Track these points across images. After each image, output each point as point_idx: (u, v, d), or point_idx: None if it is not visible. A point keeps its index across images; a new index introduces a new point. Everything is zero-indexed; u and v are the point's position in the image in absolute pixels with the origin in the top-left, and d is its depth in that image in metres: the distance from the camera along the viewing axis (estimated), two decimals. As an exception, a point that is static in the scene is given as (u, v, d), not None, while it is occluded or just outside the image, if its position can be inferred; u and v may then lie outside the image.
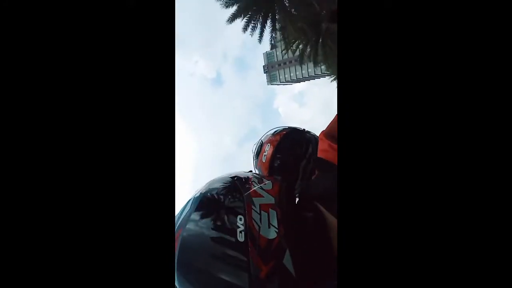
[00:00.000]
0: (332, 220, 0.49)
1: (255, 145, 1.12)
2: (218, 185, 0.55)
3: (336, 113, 0.54)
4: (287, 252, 0.46)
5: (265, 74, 37.02)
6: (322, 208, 0.52)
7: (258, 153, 1.08)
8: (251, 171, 0.65)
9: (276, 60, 34.84)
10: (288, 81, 36.40)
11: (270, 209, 0.50)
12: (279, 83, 37.51)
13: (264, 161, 1.03)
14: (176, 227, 0.50)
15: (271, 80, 36.85)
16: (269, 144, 1.05)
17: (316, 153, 0.68)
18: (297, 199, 0.63)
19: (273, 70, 36.03)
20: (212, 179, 0.59)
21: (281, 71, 35.51)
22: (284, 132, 1.07)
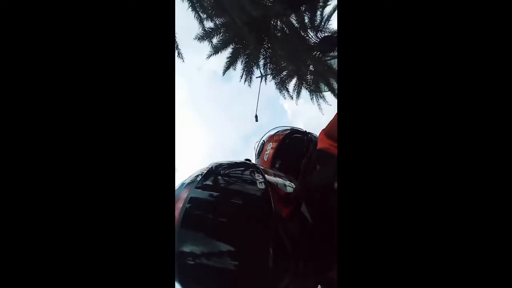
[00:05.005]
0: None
1: (257, 144, 1.14)
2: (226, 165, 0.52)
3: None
4: (303, 204, 0.48)
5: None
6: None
7: (260, 152, 1.08)
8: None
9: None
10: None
11: (282, 177, 0.52)
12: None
13: (266, 160, 1.04)
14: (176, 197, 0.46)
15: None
16: (271, 143, 1.06)
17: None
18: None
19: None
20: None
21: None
22: (286, 132, 1.09)
